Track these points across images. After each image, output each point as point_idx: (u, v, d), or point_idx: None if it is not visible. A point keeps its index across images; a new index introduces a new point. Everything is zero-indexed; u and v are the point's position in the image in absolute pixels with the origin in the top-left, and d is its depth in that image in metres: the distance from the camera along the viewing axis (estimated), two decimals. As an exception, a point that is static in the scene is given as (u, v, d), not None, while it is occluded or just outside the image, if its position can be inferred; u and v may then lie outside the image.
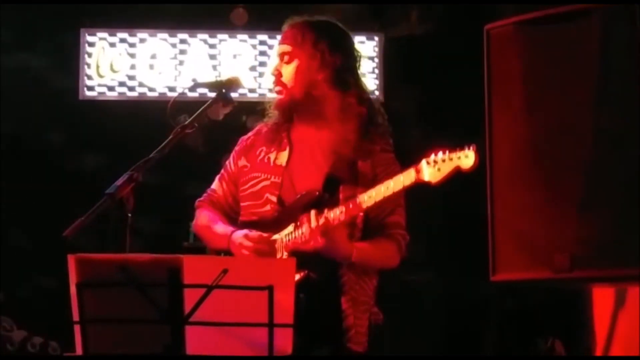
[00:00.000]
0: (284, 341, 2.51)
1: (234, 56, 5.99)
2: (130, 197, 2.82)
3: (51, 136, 5.81)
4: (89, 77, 5.90)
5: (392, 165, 3.37)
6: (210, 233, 3.41)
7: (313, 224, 3.11)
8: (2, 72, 5.86)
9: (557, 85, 3.39)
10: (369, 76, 5.99)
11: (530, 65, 3.44)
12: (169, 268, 2.43)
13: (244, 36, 5.96)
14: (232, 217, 3.45)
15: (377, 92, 5.97)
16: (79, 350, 2.51)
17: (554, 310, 5.14)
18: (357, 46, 3.54)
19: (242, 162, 3.44)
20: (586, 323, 3.80)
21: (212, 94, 3.30)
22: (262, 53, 5.98)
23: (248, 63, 5.98)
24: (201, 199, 3.50)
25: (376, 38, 6.01)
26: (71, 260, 2.48)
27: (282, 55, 3.38)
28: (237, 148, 3.50)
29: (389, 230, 3.34)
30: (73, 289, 2.47)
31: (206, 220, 3.44)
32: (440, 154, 3.08)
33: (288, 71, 3.36)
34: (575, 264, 3.31)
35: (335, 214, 3.13)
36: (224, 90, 3.28)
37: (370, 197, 3.11)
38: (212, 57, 5.97)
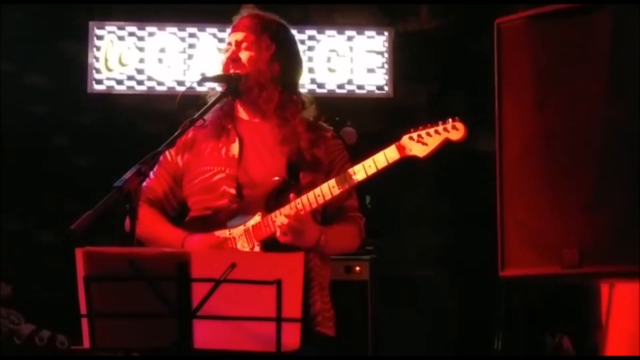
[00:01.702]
0: (292, 336, 2.50)
1: (243, 50, 5.99)
2: (138, 191, 2.82)
3: (59, 130, 5.81)
4: (98, 71, 5.90)
5: (344, 151, 3.38)
6: (156, 233, 3.28)
7: (292, 209, 3.10)
8: (10, 64, 5.86)
9: (567, 80, 3.39)
10: (379, 71, 5.97)
11: (541, 60, 3.44)
12: (177, 262, 2.42)
13: (253, 30, 5.95)
14: (171, 215, 3.38)
15: (386, 88, 5.96)
16: (86, 344, 2.51)
17: (562, 306, 5.12)
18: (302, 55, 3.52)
19: (186, 157, 3.36)
20: (594, 319, 3.79)
21: (221, 88, 3.30)
22: (271, 47, 5.98)
23: (257, 57, 5.98)
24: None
25: (386, 33, 5.99)
26: (79, 253, 2.47)
27: (239, 42, 3.34)
28: (177, 144, 3.29)
29: (347, 214, 3.33)
30: (81, 283, 2.47)
31: (148, 220, 3.28)
32: (423, 129, 3.06)
33: (245, 56, 3.32)
34: (584, 259, 3.30)
35: (312, 197, 3.11)
36: (232, 84, 3.28)
37: (360, 171, 3.09)
38: (222, 51, 5.95)
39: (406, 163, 5.83)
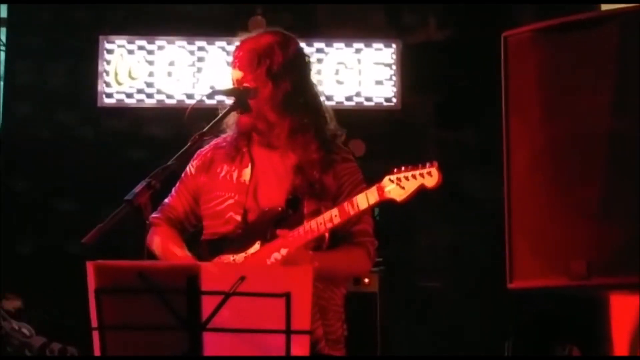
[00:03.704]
0: (301, 348, 2.51)
1: (252, 63, 6.00)
2: (148, 204, 2.84)
3: (70, 143, 5.84)
4: (108, 85, 5.93)
5: (355, 174, 3.37)
6: (170, 255, 3.28)
7: (286, 244, 3.12)
8: (22, 79, 5.90)
9: (574, 92, 3.39)
10: (387, 83, 5.99)
11: (548, 72, 3.44)
12: (187, 275, 2.44)
13: (262, 43, 5.96)
14: (190, 231, 3.39)
15: (394, 100, 5.98)
16: (97, 357, 2.52)
17: (571, 318, 5.12)
18: (305, 50, 3.45)
19: (203, 178, 3.36)
20: (603, 330, 3.78)
21: (230, 101, 3.31)
22: (280, 60, 5.99)
23: (265, 70, 5.99)
24: (156, 215, 3.36)
25: (394, 45, 6.01)
26: (90, 266, 2.49)
27: (240, 82, 3.29)
28: (196, 163, 3.38)
29: (356, 239, 3.31)
30: (92, 295, 2.48)
31: (164, 239, 3.32)
32: (402, 171, 3.08)
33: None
34: (592, 271, 3.30)
35: (308, 227, 3.11)
36: (241, 98, 3.29)
37: (353, 205, 3.10)
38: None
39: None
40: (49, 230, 5.62)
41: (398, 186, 3.07)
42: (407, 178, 3.08)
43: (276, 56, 3.30)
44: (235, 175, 3.31)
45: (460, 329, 5.54)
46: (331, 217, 3.12)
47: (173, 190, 3.39)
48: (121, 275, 2.49)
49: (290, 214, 3.20)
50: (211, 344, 2.46)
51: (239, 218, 3.25)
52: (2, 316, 4.86)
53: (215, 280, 2.44)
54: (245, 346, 2.49)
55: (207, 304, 2.43)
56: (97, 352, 2.50)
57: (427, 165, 3.09)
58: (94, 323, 2.49)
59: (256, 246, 3.20)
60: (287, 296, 2.45)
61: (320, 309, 3.23)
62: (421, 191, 3.06)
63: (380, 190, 3.09)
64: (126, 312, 2.48)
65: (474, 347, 5.48)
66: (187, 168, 3.35)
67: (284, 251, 3.13)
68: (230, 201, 3.28)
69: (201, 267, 2.47)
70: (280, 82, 3.29)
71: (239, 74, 3.30)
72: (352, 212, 3.11)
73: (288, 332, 2.46)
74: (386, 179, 3.10)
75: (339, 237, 3.28)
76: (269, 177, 3.30)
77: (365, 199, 3.11)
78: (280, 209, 3.22)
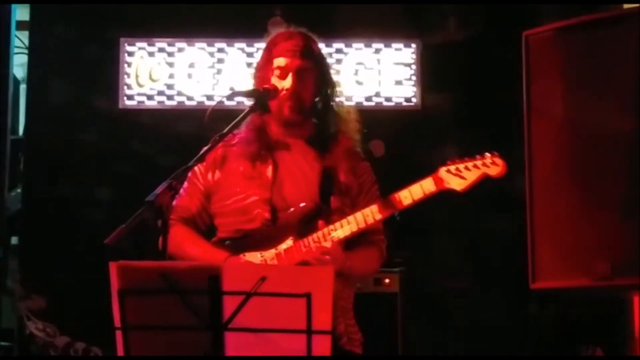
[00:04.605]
0: (323, 348, 2.51)
1: (272, 64, 6.01)
2: (169, 205, 2.85)
3: (91, 145, 5.86)
4: (129, 87, 5.95)
5: (371, 173, 3.40)
6: (196, 252, 3.26)
7: (324, 237, 3.12)
8: (43, 82, 5.93)
9: (596, 91, 3.38)
10: (406, 83, 5.98)
11: (569, 71, 3.44)
12: (209, 275, 2.45)
13: (282, 44, 5.97)
14: (203, 231, 3.38)
15: (414, 99, 5.96)
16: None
17: (594, 318, 5.10)
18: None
19: (217, 176, 3.36)
20: (627, 331, 3.77)
21: (250, 103, 3.32)
22: (300, 61, 5.99)
23: (285, 71, 5.99)
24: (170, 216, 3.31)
25: (413, 45, 6.00)
26: (113, 267, 2.50)
27: (300, 70, 3.29)
28: (205, 161, 3.32)
29: (370, 237, 3.33)
30: (115, 296, 2.49)
31: (186, 238, 3.32)
32: (460, 162, 3.09)
33: (303, 86, 3.30)
34: (616, 271, 3.29)
35: (346, 223, 3.13)
36: (260, 99, 3.29)
37: (406, 196, 3.12)
38: (250, 65, 5.98)
39: (434, 171, 5.82)
40: (72, 230, 5.65)
41: (458, 176, 3.10)
42: (467, 168, 3.11)
43: (318, 50, 3.37)
44: (257, 172, 3.30)
45: (482, 330, 5.52)
46: (378, 209, 3.13)
47: (182, 190, 3.35)
48: (143, 276, 2.50)
49: (324, 210, 3.21)
50: (233, 344, 2.47)
51: (267, 215, 3.25)
52: (26, 316, 4.89)
53: (236, 280, 2.45)
54: (267, 346, 2.49)
55: (229, 304, 2.44)
56: (120, 352, 2.52)
57: (488, 154, 3.11)
58: (117, 323, 2.50)
59: (288, 242, 3.20)
60: (308, 296, 2.45)
61: (342, 309, 3.23)
62: (483, 180, 3.09)
63: (438, 181, 3.12)
64: (149, 312, 2.49)
65: (495, 348, 5.46)
66: (194, 168, 3.31)
67: (327, 243, 3.12)
68: (255, 198, 3.27)
69: (222, 268, 2.47)
70: (328, 77, 3.34)
71: (304, 62, 3.28)
72: (405, 203, 3.12)
73: (309, 332, 2.46)
74: (442, 170, 3.13)
75: (355, 235, 3.27)
76: (292, 173, 3.31)
77: (420, 190, 3.13)
78: (315, 205, 3.22)
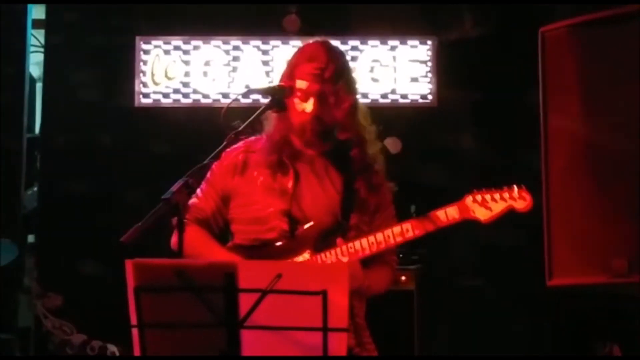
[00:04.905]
0: (339, 345, 2.51)
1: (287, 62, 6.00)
2: (185, 203, 2.85)
3: (107, 143, 5.88)
4: (145, 85, 5.97)
5: (389, 192, 3.37)
6: (209, 254, 3.22)
7: (342, 253, 3.11)
8: (59, 80, 5.96)
9: (612, 87, 3.37)
10: (422, 80, 5.97)
11: (585, 67, 3.42)
12: (225, 273, 2.45)
13: (297, 42, 5.96)
14: (216, 233, 3.35)
15: (430, 97, 5.96)
16: (136, 354, 2.54)
17: (612, 315, 5.08)
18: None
19: (236, 181, 3.32)
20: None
21: (265, 100, 3.32)
22: (315, 59, 5.98)
23: (301, 69, 5.99)
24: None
25: (429, 42, 5.99)
26: (128, 265, 2.51)
27: (322, 94, 3.22)
28: (225, 163, 3.31)
29: (385, 257, 3.30)
30: (131, 294, 2.50)
31: (200, 239, 3.28)
32: (487, 192, 3.11)
33: (325, 109, 3.23)
34: (633, 267, 3.28)
35: (369, 240, 3.12)
36: (277, 97, 3.29)
37: (443, 215, 3.12)
38: (265, 63, 5.99)
39: (450, 168, 5.82)
40: (88, 228, 5.67)
41: (483, 207, 3.11)
42: (494, 199, 3.12)
43: (348, 71, 3.32)
44: (277, 182, 3.27)
45: (498, 327, 5.51)
46: (411, 228, 3.13)
47: (198, 191, 3.33)
48: (159, 273, 2.51)
49: (344, 226, 3.20)
50: (249, 341, 2.47)
51: (285, 226, 3.23)
52: (43, 314, 4.92)
53: (252, 278, 2.45)
54: (283, 344, 2.49)
55: (245, 302, 2.44)
56: (136, 350, 2.52)
57: (516, 188, 3.11)
58: (133, 321, 2.51)
59: (305, 255, 3.18)
60: (324, 294, 2.45)
61: (358, 326, 3.22)
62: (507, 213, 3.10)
63: (464, 209, 3.13)
64: (165, 309, 2.49)
65: (511, 346, 5.45)
66: (214, 168, 3.29)
67: (344, 258, 3.12)
68: (273, 208, 3.24)
69: (238, 265, 2.48)
70: (354, 88, 3.30)
71: (333, 67, 3.22)
72: (431, 228, 3.13)
73: (325, 329, 2.46)
74: (468, 198, 3.14)
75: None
76: (313, 185, 3.28)
77: (444, 216, 3.14)
78: (336, 220, 3.21)
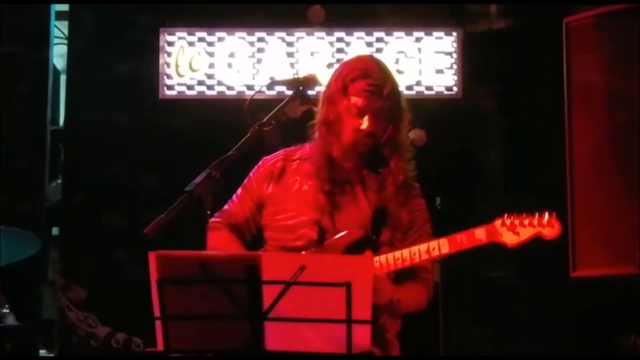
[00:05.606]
0: (363, 337, 2.51)
1: (312, 54, 5.98)
2: (208, 195, 2.86)
3: (131, 135, 5.90)
4: (169, 77, 5.97)
5: (425, 211, 3.37)
6: None
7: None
8: (84, 72, 5.98)
9: (637, 78, 3.34)
10: (447, 72, 5.95)
11: (610, 58, 3.40)
12: (248, 265, 2.46)
13: (322, 34, 5.96)
14: (248, 240, 3.36)
15: (455, 88, 5.93)
16: (160, 346, 2.55)
17: (636, 306, 5.04)
18: None
19: (272, 188, 3.33)
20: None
21: (290, 92, 3.31)
22: (340, 50, 5.97)
23: (325, 60, 5.97)
24: (217, 219, 3.35)
25: (454, 33, 5.96)
26: (152, 257, 2.52)
27: (377, 111, 3.22)
28: (262, 170, 3.37)
29: (420, 274, 3.30)
30: (154, 286, 2.51)
31: (228, 243, 3.30)
32: (517, 217, 3.10)
33: (379, 125, 3.25)
34: (657, 259, 3.25)
35: (395, 256, 3.12)
36: (301, 88, 3.28)
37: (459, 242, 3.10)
38: (290, 55, 5.98)
39: (475, 162, 5.79)
40: (112, 221, 5.69)
41: (512, 231, 3.11)
42: (522, 224, 3.12)
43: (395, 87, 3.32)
44: (311, 193, 3.28)
45: (522, 318, 5.49)
46: (438, 246, 3.13)
47: (234, 196, 3.37)
48: (183, 266, 2.52)
49: (373, 240, 3.19)
50: (272, 333, 2.47)
51: (314, 236, 3.23)
52: (67, 307, 4.95)
53: (275, 270, 2.46)
54: (306, 335, 2.49)
55: (268, 294, 2.45)
56: (159, 342, 2.53)
57: (546, 215, 3.10)
58: (157, 313, 2.52)
59: None
60: (348, 285, 2.45)
61: (387, 341, 3.21)
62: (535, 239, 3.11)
63: (492, 232, 3.13)
64: (188, 301, 2.50)
65: (536, 338, 5.43)
66: (251, 175, 3.35)
67: None
68: (305, 217, 3.25)
69: (262, 257, 2.48)
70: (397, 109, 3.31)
71: (385, 82, 3.25)
72: (457, 248, 3.13)
73: (349, 321, 2.46)
74: (498, 222, 3.14)
75: (403, 270, 3.23)
76: (348, 200, 3.28)
77: (473, 237, 3.15)
78: (365, 233, 3.21)
